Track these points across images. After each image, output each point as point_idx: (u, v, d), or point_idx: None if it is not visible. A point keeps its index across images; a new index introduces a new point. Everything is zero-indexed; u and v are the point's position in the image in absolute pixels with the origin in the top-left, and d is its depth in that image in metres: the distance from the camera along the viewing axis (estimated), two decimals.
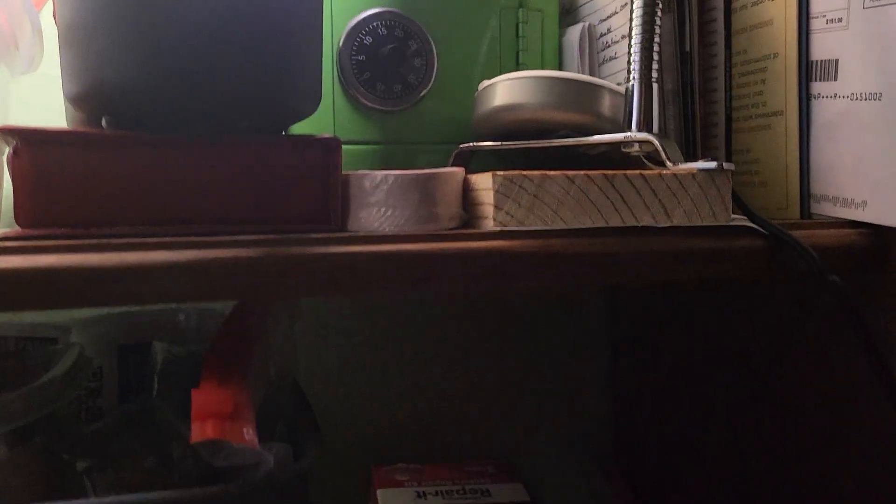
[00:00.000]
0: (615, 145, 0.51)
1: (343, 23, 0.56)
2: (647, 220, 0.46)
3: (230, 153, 0.44)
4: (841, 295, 0.45)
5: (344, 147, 0.46)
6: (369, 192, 0.45)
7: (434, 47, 0.58)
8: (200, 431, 0.42)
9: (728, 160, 0.58)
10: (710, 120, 0.59)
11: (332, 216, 0.45)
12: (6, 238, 0.40)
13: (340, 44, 0.56)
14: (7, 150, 0.41)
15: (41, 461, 0.49)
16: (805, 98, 0.53)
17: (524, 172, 0.45)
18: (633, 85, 0.50)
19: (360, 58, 0.57)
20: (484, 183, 0.45)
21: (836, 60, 0.50)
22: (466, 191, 0.48)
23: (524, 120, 0.53)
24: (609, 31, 0.62)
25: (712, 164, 0.47)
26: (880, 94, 0.48)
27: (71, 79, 0.43)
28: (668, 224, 0.46)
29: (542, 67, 0.60)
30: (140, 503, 0.43)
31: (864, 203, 0.49)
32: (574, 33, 0.63)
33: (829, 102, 0.51)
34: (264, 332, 0.52)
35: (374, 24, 0.57)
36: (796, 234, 0.46)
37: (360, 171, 0.46)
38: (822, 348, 0.54)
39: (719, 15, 0.58)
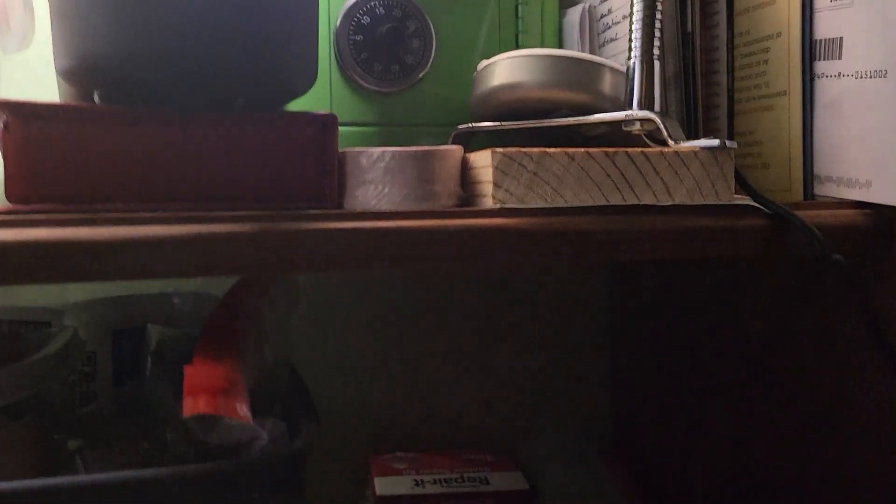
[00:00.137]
0: (616, 125, 0.50)
1: (340, 2, 0.56)
2: (648, 199, 0.46)
3: (225, 129, 0.43)
4: (845, 274, 0.45)
5: (341, 129, 0.45)
6: (366, 168, 0.45)
7: (433, 28, 0.57)
8: (193, 405, 0.41)
9: None
10: (711, 102, 0.58)
11: (328, 193, 0.44)
12: None
13: (338, 23, 0.56)
14: None
15: (32, 439, 0.48)
16: (808, 78, 0.52)
17: (524, 149, 0.44)
18: (634, 63, 0.49)
19: (358, 38, 0.56)
20: (483, 160, 0.45)
21: (841, 39, 0.50)
22: (465, 169, 0.47)
23: (524, 99, 0.52)
24: (610, 11, 0.61)
25: (715, 142, 0.46)
26: (885, 71, 0.47)
27: (62, 53, 0.42)
28: (670, 202, 0.46)
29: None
30: (134, 480, 0.42)
31: (869, 183, 0.48)
32: (574, 14, 0.62)
33: (833, 82, 0.50)
34: (260, 314, 0.52)
35: (372, 3, 0.56)
36: (800, 214, 0.46)
37: (357, 148, 0.45)
38: (826, 329, 0.53)
39: None
